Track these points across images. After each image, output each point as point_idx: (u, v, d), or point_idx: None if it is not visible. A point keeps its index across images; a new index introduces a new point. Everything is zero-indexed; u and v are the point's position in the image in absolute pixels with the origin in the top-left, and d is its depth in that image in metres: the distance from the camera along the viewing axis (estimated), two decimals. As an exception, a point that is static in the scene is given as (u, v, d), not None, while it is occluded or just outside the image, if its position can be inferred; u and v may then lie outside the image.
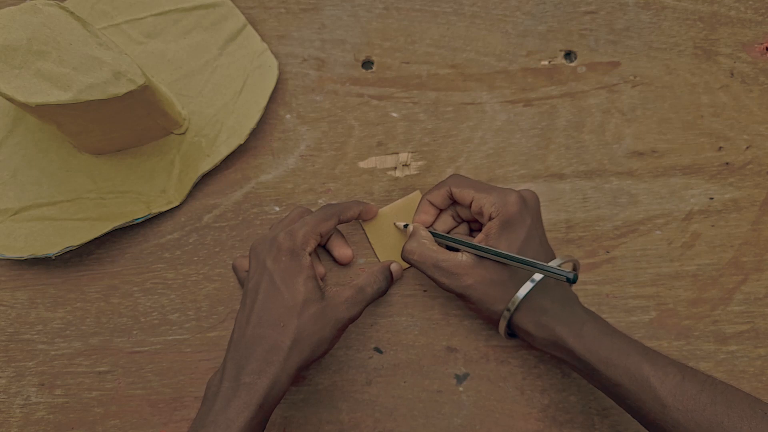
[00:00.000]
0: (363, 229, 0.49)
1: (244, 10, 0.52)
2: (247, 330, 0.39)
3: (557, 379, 0.46)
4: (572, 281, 0.36)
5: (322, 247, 0.48)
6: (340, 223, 0.44)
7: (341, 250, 0.47)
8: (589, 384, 0.46)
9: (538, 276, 0.39)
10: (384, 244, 0.48)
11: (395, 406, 0.46)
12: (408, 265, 0.48)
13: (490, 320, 0.43)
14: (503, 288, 0.41)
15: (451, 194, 0.44)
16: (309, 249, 0.41)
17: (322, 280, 0.43)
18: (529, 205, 0.42)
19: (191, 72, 0.50)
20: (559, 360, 0.42)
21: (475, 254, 0.41)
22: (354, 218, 0.46)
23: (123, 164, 0.49)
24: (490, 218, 0.42)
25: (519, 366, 0.47)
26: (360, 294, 0.42)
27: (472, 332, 0.47)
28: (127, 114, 0.44)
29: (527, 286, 0.39)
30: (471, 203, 0.43)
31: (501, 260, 0.40)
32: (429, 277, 0.43)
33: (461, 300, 0.43)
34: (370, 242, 0.48)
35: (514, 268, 0.40)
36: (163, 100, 0.46)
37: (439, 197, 0.45)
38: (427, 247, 0.43)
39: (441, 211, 0.46)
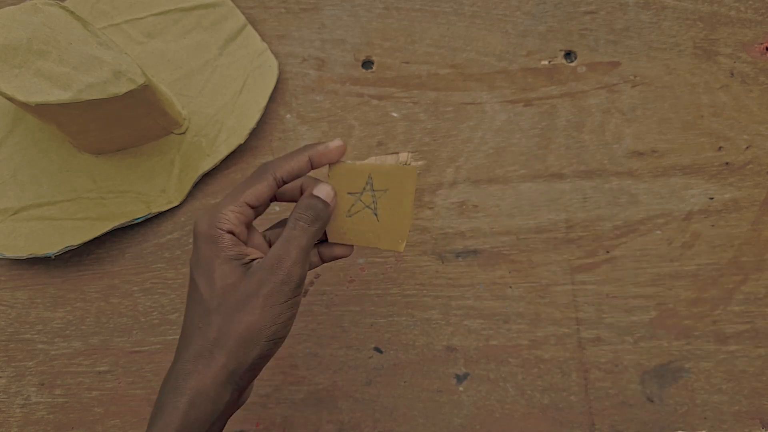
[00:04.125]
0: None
1: (244, 10, 0.52)
2: (177, 353, 0.33)
3: (557, 379, 0.46)
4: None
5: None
6: (280, 186, 0.35)
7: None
8: (589, 384, 0.46)
9: None
10: (339, 201, 0.37)
11: (395, 406, 0.46)
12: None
13: None
14: None
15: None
16: (227, 226, 0.33)
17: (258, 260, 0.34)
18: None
19: (191, 72, 0.50)
20: None
21: None
22: (303, 172, 0.35)
23: (123, 164, 0.49)
24: None
25: (519, 366, 0.47)
26: (289, 243, 0.33)
27: (472, 332, 0.47)
28: (127, 113, 0.44)
29: None
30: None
31: None
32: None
33: None
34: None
35: None
36: (163, 100, 0.46)
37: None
38: None
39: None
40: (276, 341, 0.33)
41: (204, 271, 0.33)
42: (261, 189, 0.34)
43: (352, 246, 0.39)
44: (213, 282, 0.32)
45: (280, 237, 0.34)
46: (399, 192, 0.36)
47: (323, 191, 0.35)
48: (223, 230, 0.33)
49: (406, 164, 0.36)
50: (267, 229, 0.39)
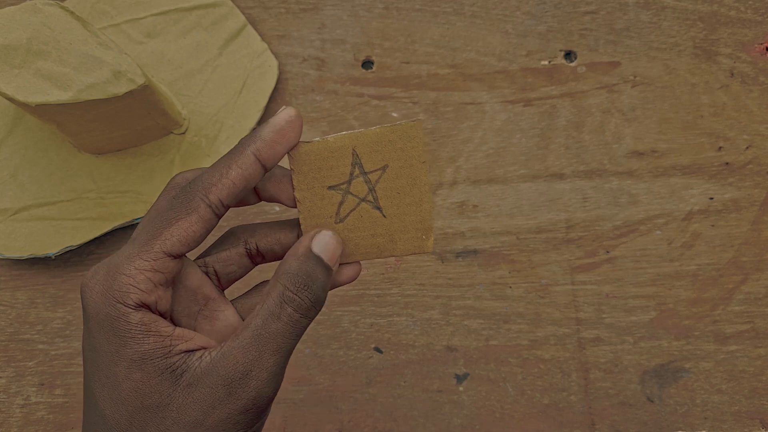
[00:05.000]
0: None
1: (244, 10, 0.52)
2: None
3: (557, 379, 0.46)
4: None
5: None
6: (221, 215, 0.23)
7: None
8: (589, 384, 0.46)
9: None
10: (316, 203, 0.26)
11: (395, 406, 0.46)
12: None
13: None
14: None
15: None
16: (134, 297, 0.21)
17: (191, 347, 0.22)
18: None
19: (191, 72, 0.50)
20: None
21: None
22: (252, 182, 0.23)
23: (123, 164, 0.49)
24: None
25: (519, 366, 0.47)
26: (263, 345, 0.21)
27: (472, 332, 0.47)
28: (127, 114, 0.44)
29: None
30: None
31: None
32: None
33: None
34: (295, 195, 0.26)
35: None
36: (163, 100, 0.46)
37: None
38: None
39: None
40: None
41: (105, 378, 0.20)
42: (188, 228, 0.21)
43: (359, 264, 0.27)
44: (121, 397, 0.20)
45: (246, 325, 0.21)
46: (405, 165, 0.25)
47: (324, 246, 0.23)
48: (128, 306, 0.20)
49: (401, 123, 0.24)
50: (205, 254, 0.26)
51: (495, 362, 0.47)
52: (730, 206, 0.49)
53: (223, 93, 0.50)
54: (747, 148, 0.50)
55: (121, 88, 0.41)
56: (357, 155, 0.25)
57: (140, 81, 0.41)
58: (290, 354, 0.22)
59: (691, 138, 0.50)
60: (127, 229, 0.49)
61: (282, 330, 0.21)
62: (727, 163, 0.50)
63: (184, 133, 0.49)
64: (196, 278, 0.24)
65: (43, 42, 0.40)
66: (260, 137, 0.22)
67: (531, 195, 0.49)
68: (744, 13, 0.52)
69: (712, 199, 0.49)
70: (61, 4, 0.41)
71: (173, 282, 0.23)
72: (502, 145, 0.50)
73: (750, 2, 0.52)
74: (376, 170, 0.25)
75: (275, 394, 0.22)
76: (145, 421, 0.20)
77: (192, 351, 0.21)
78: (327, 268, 0.23)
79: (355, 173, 0.25)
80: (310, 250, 0.23)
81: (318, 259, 0.23)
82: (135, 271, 0.20)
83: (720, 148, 0.50)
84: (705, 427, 0.45)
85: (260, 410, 0.21)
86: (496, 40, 0.52)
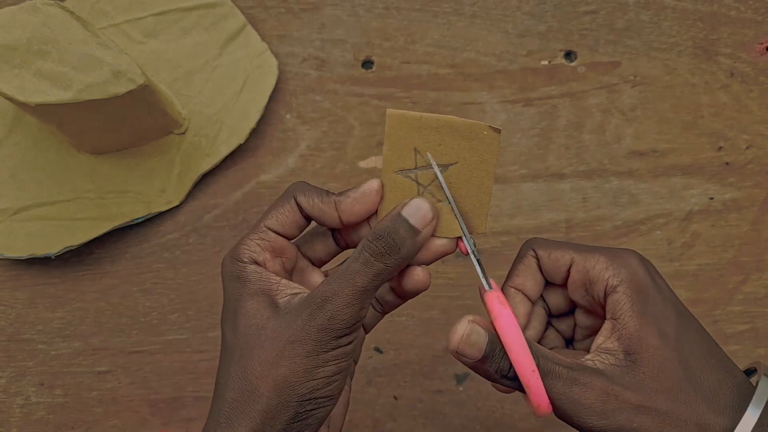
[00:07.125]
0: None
1: (244, 9, 0.52)
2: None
3: (557, 379, 0.46)
4: None
5: None
6: (305, 213, 0.29)
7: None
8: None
9: None
10: (398, 185, 0.29)
11: (395, 406, 0.46)
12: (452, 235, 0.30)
13: None
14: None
15: (539, 263, 0.30)
16: (248, 255, 0.28)
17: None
18: (651, 266, 0.29)
19: (191, 72, 0.50)
20: None
21: None
22: (327, 219, 0.29)
23: (123, 164, 0.49)
24: (607, 291, 0.28)
25: (519, 366, 0.47)
26: (342, 280, 0.26)
27: (472, 332, 0.47)
28: (127, 114, 0.44)
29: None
30: (569, 270, 0.30)
31: None
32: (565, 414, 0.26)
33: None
34: (384, 151, 0.29)
35: (694, 361, 0.28)
36: (163, 100, 0.46)
37: (528, 276, 0.31)
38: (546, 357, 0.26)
39: (533, 303, 0.32)
40: (317, 402, 0.26)
41: (230, 314, 0.28)
42: (282, 212, 0.28)
43: (428, 273, 0.29)
44: (237, 324, 0.27)
45: (335, 270, 0.28)
46: (476, 162, 0.28)
47: (414, 210, 0.27)
48: (244, 262, 0.28)
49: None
50: (338, 265, 0.31)
51: (495, 362, 0.47)
52: (730, 206, 0.49)
53: (223, 93, 0.50)
54: (747, 148, 0.50)
55: (121, 88, 0.41)
56: (437, 140, 0.27)
57: (140, 81, 0.41)
58: (367, 293, 0.26)
59: (691, 138, 0.50)
60: (127, 228, 0.49)
61: (358, 269, 0.26)
62: (727, 163, 0.50)
63: (184, 133, 0.49)
64: (317, 279, 0.31)
65: (43, 42, 0.40)
66: (346, 194, 0.28)
67: (531, 195, 0.49)
68: (744, 13, 0.52)
69: (712, 199, 0.49)
70: (61, 4, 0.41)
71: (280, 253, 0.29)
72: (502, 145, 0.50)
73: (750, 2, 0.52)
74: (451, 164, 0.28)
75: (350, 321, 0.26)
76: (247, 341, 0.26)
77: (296, 293, 0.27)
78: (412, 228, 0.27)
79: (428, 163, 0.28)
80: (398, 213, 0.27)
81: (404, 220, 0.27)
82: (249, 240, 0.28)
83: (720, 148, 0.50)
84: (705, 427, 0.45)
85: (336, 332, 0.25)
86: (496, 40, 0.52)
